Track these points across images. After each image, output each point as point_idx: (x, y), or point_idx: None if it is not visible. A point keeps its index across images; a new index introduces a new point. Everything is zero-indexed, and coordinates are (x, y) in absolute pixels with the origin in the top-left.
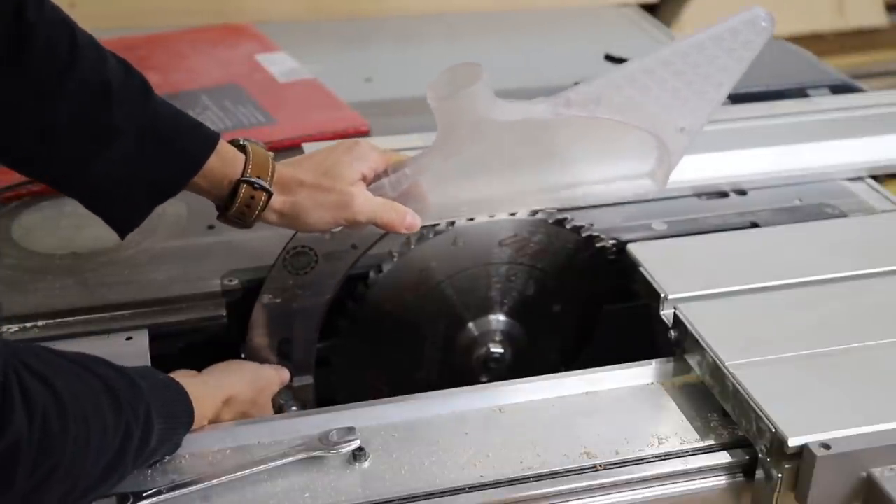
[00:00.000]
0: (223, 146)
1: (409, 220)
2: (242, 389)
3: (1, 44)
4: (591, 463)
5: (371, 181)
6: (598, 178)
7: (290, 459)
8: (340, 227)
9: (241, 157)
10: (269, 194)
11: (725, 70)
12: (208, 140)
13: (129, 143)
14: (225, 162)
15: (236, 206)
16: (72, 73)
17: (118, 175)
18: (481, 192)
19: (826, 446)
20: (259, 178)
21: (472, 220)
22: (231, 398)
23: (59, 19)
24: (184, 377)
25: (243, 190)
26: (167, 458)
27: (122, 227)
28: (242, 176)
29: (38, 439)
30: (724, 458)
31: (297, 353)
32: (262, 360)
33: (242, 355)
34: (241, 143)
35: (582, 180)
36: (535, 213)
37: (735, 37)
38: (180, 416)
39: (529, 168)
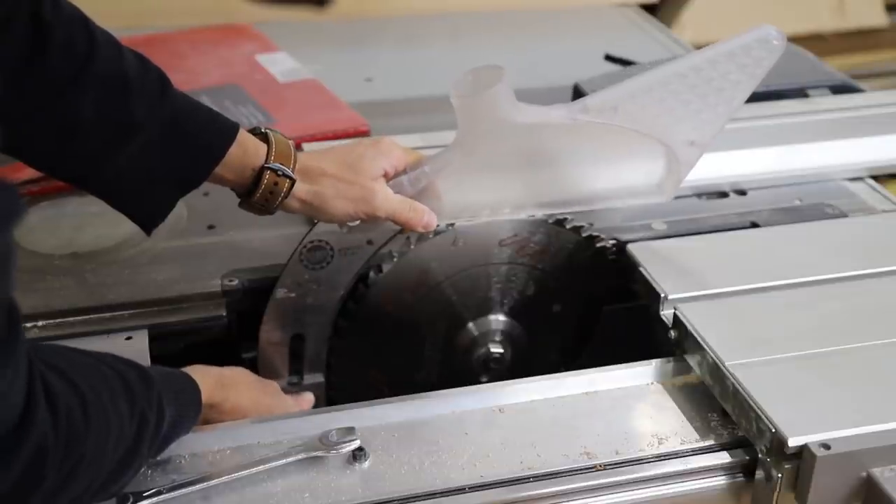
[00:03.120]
0: (243, 136)
1: (427, 219)
2: (234, 372)
3: (19, 44)
4: (591, 463)
5: (392, 178)
6: (610, 186)
7: (290, 459)
8: (359, 221)
9: (263, 145)
10: (293, 181)
11: (737, 85)
12: (228, 130)
13: (150, 137)
14: (246, 151)
15: (260, 193)
16: (90, 69)
17: (140, 169)
18: (495, 193)
19: (826, 446)
20: (282, 165)
21: (471, 219)
22: (222, 376)
23: (75, 17)
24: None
25: (267, 176)
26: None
27: (147, 222)
28: (266, 163)
29: (65, 435)
30: (724, 458)
31: (310, 350)
32: (274, 357)
33: (243, 355)
34: (263, 131)
35: (594, 187)
36: None
37: (747, 53)
38: (189, 401)
39: (544, 172)
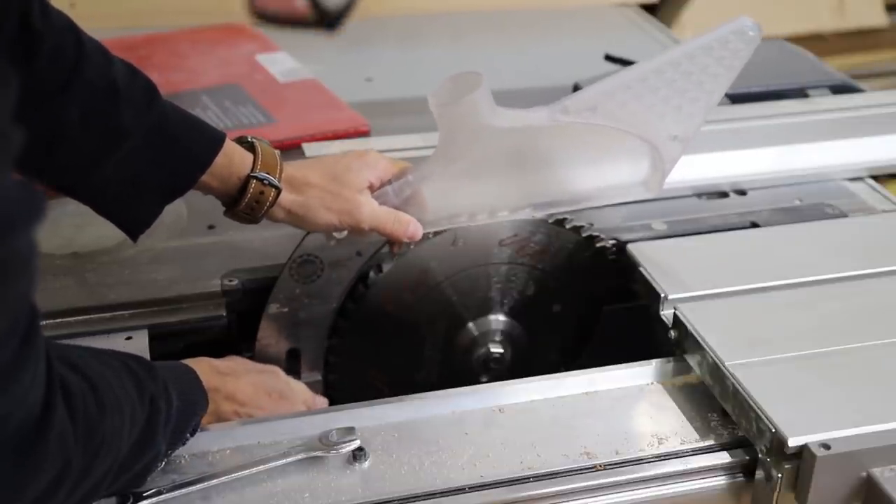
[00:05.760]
0: (229, 145)
1: (412, 230)
2: (228, 361)
3: (9, 47)
4: (591, 463)
5: (377, 189)
6: (595, 185)
7: (290, 459)
8: (345, 233)
9: (249, 155)
10: (278, 191)
11: (716, 78)
12: (215, 140)
13: (137, 145)
14: (232, 160)
15: (245, 202)
16: (79, 76)
17: (127, 177)
18: (480, 198)
19: (826, 446)
20: (268, 174)
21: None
22: (215, 364)
23: (64, 25)
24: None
25: (253, 186)
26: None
27: (133, 229)
28: (251, 172)
29: (82, 421)
30: (724, 458)
31: (306, 362)
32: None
33: (243, 355)
34: (250, 140)
35: (579, 187)
36: None
37: (724, 46)
38: (192, 387)
39: (527, 175)
